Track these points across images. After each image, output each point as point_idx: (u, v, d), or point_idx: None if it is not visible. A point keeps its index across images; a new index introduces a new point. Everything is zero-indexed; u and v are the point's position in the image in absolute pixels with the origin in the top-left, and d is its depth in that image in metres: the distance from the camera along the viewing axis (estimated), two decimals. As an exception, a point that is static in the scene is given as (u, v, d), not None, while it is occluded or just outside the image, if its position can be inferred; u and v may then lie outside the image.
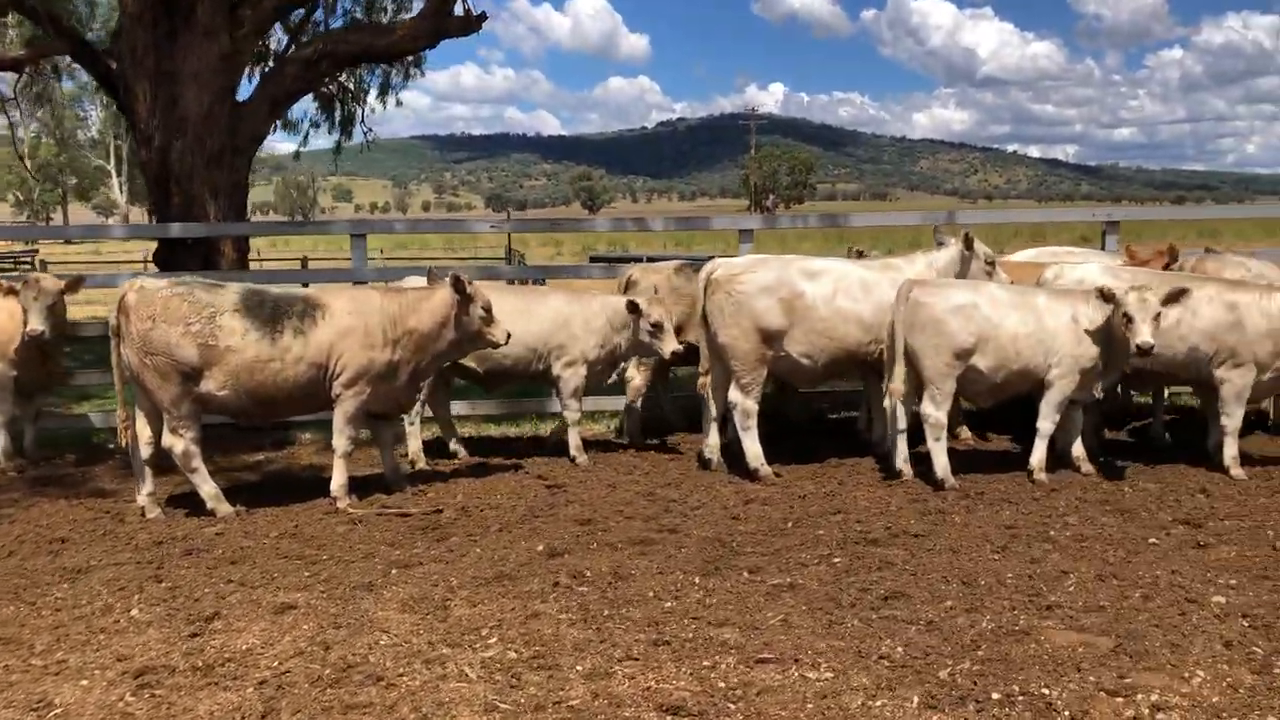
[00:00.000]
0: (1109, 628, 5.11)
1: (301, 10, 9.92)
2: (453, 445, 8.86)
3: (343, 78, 15.82)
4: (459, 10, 9.79)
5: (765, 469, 7.95)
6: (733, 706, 4.40)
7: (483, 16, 10.35)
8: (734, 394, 7.95)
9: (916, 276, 7.95)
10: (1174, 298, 7.12)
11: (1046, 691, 4.46)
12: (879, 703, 4.42)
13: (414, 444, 8.56)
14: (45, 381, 8.75)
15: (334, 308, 7.02)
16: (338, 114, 16.37)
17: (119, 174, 78.52)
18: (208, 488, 7.14)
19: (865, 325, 7.89)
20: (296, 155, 22.37)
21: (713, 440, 8.30)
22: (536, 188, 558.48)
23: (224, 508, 7.15)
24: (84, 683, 4.68)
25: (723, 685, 4.59)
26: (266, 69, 9.57)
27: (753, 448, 7.98)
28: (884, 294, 7.83)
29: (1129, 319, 6.99)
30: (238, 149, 9.67)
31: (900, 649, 4.91)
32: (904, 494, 7.52)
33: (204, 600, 5.65)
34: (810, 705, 4.40)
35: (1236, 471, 7.76)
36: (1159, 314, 7.02)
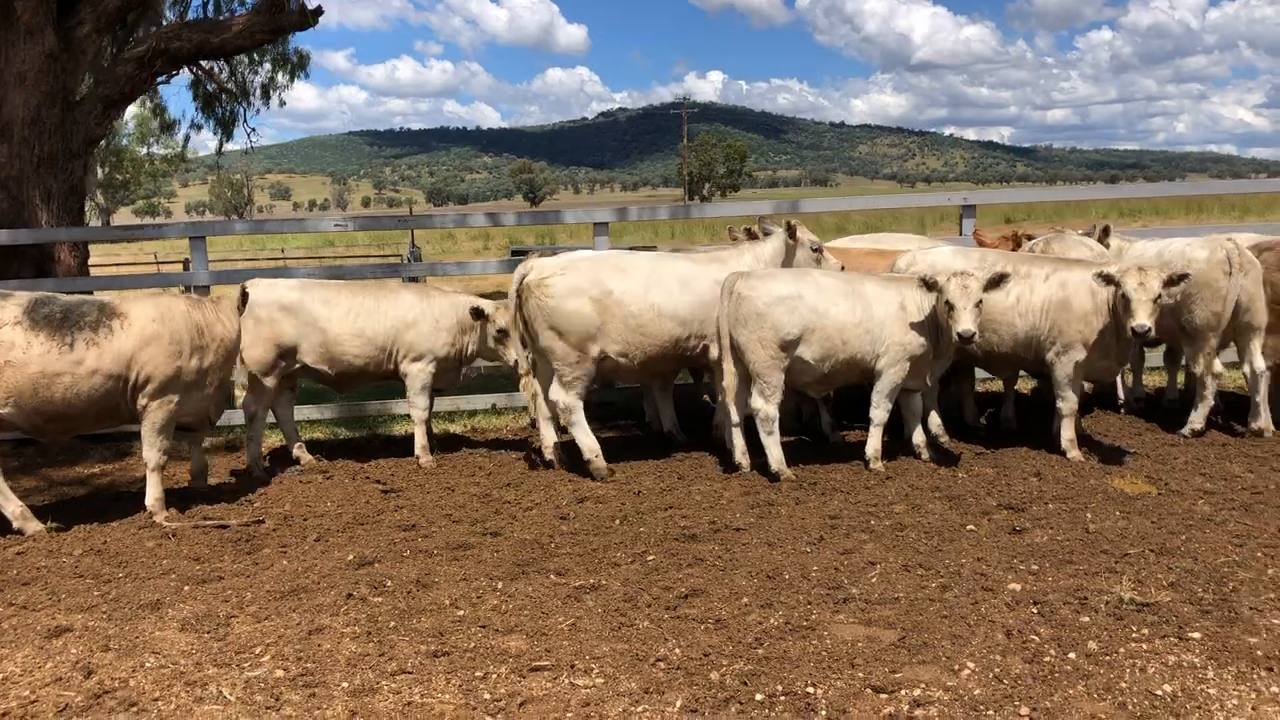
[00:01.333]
0: (897, 620, 5.06)
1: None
2: (295, 451, 8.64)
3: (223, 77, 15.51)
4: (294, 5, 9.55)
5: (599, 461, 7.85)
6: (490, 719, 4.28)
7: (319, 10, 10.08)
8: (555, 392, 7.85)
9: (742, 268, 7.86)
10: (995, 283, 7.09)
11: (812, 690, 4.40)
12: (640, 709, 4.32)
13: (253, 449, 8.33)
14: None
15: (134, 315, 6.77)
16: (222, 113, 15.99)
17: (38, 177, 76.61)
18: (11, 506, 6.87)
19: (682, 320, 7.79)
20: (219, 152, 21.91)
21: (548, 439, 8.16)
22: (478, 181, 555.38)
23: (32, 525, 6.89)
24: None
25: (488, 697, 4.47)
26: (102, 67, 9.21)
27: (585, 440, 7.85)
28: (703, 288, 7.74)
29: (950, 306, 6.96)
30: (72, 152, 9.33)
31: (679, 650, 4.83)
32: (739, 487, 7.44)
33: (-29, 625, 5.42)
34: (571, 714, 4.29)
35: (1073, 454, 7.78)
36: (980, 301, 6.98)
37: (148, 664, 4.89)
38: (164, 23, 10.02)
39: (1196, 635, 4.76)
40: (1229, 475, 7.30)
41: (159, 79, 10.68)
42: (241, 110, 15.84)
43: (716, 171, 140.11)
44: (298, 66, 15.77)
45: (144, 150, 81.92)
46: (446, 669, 4.74)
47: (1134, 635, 4.80)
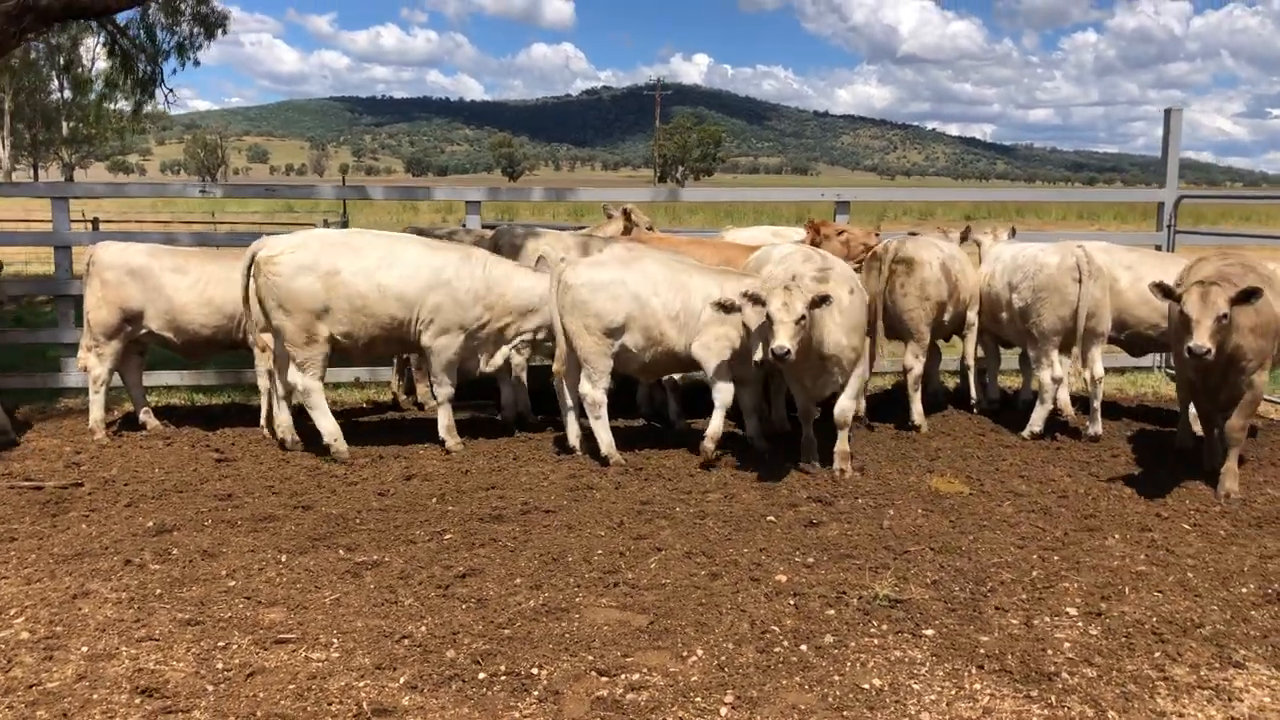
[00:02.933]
0: (654, 606, 5.13)
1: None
2: (141, 416, 8.62)
3: (140, 37, 15.38)
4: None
5: (339, 445, 7.78)
6: (212, 689, 4.32)
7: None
8: (293, 374, 7.73)
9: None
10: (817, 303, 6.86)
11: (536, 671, 4.47)
12: (364, 683, 4.38)
13: (96, 412, 8.30)
14: None
15: None
16: (140, 73, 15.85)
17: (2, 130, 75.85)
18: None
19: (408, 303, 7.65)
20: (135, 113, 21.66)
21: (283, 420, 8.07)
22: (458, 153, 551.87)
23: None
24: None
25: (220, 666, 4.52)
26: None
27: (324, 424, 7.77)
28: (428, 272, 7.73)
29: (770, 322, 6.75)
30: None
31: (427, 628, 4.89)
32: (567, 470, 7.50)
33: None
34: (293, 686, 4.34)
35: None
36: (802, 318, 6.76)
37: (-104, 622, 4.90)
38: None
39: (930, 632, 4.86)
40: (1046, 479, 7.42)
41: (28, 35, 10.58)
42: (160, 70, 15.71)
43: (691, 155, 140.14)
44: (215, 25, 15.62)
45: (112, 106, 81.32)
46: (193, 638, 4.77)
47: (872, 630, 4.89)
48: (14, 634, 4.79)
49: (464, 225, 9.67)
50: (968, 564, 5.74)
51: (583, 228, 10.14)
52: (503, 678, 4.42)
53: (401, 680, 4.40)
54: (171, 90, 15.99)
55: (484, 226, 9.58)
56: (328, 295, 7.42)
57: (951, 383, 10.32)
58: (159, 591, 5.29)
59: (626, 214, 9.39)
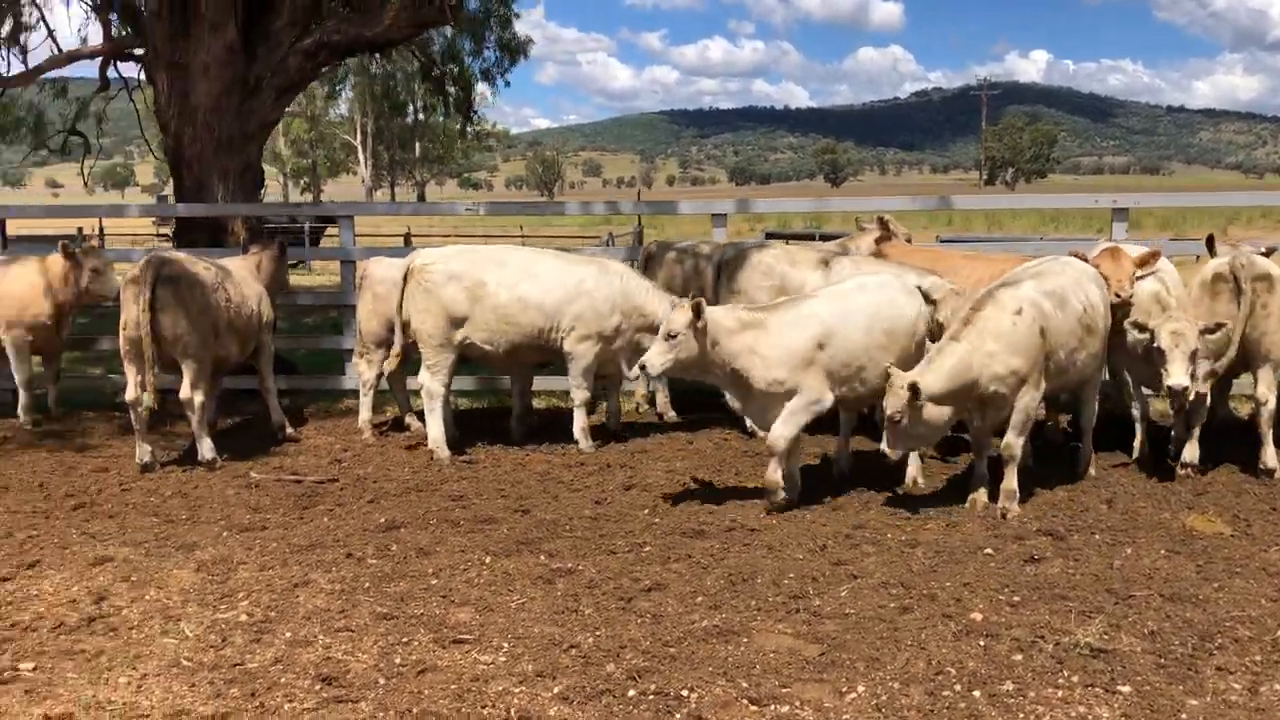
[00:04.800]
0: (832, 636, 4.96)
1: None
2: (406, 419, 9.26)
3: (449, 66, 16.61)
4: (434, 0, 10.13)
5: (444, 452, 8.20)
6: (383, 682, 4.60)
7: (458, 6, 10.69)
8: (421, 375, 8.30)
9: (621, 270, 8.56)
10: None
11: (686, 693, 4.43)
12: (519, 689, 4.51)
13: (364, 414, 9.01)
14: (59, 346, 9.76)
15: None
16: (453, 96, 17.11)
17: (364, 150, 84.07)
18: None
19: (547, 312, 8.20)
20: (461, 133, 23.39)
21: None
22: (781, 161, 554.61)
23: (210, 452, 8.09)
24: (-120, 613, 5.36)
25: (398, 661, 4.79)
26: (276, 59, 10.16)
27: (433, 430, 8.28)
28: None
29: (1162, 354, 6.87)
30: (247, 135, 10.39)
31: (596, 640, 4.96)
32: (786, 487, 7.33)
33: (45, 548, 6.29)
34: (455, 687, 4.53)
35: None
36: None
37: (148, 596, 5.55)
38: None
39: (1126, 689, 4.38)
40: (1330, 522, 6.49)
41: (323, 69, 11.67)
42: (471, 95, 16.90)
43: (1022, 156, 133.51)
44: (517, 51, 16.60)
45: (460, 128, 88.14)
46: (383, 632, 5.09)
47: (1060, 681, 4.47)
48: (235, 616, 5.30)
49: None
50: (1199, 615, 5.12)
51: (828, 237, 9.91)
52: (651, 697, 4.41)
53: (555, 690, 4.48)
54: (477, 113, 17.25)
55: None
56: (471, 305, 7.83)
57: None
58: (367, 585, 5.67)
59: (883, 224, 9.07)
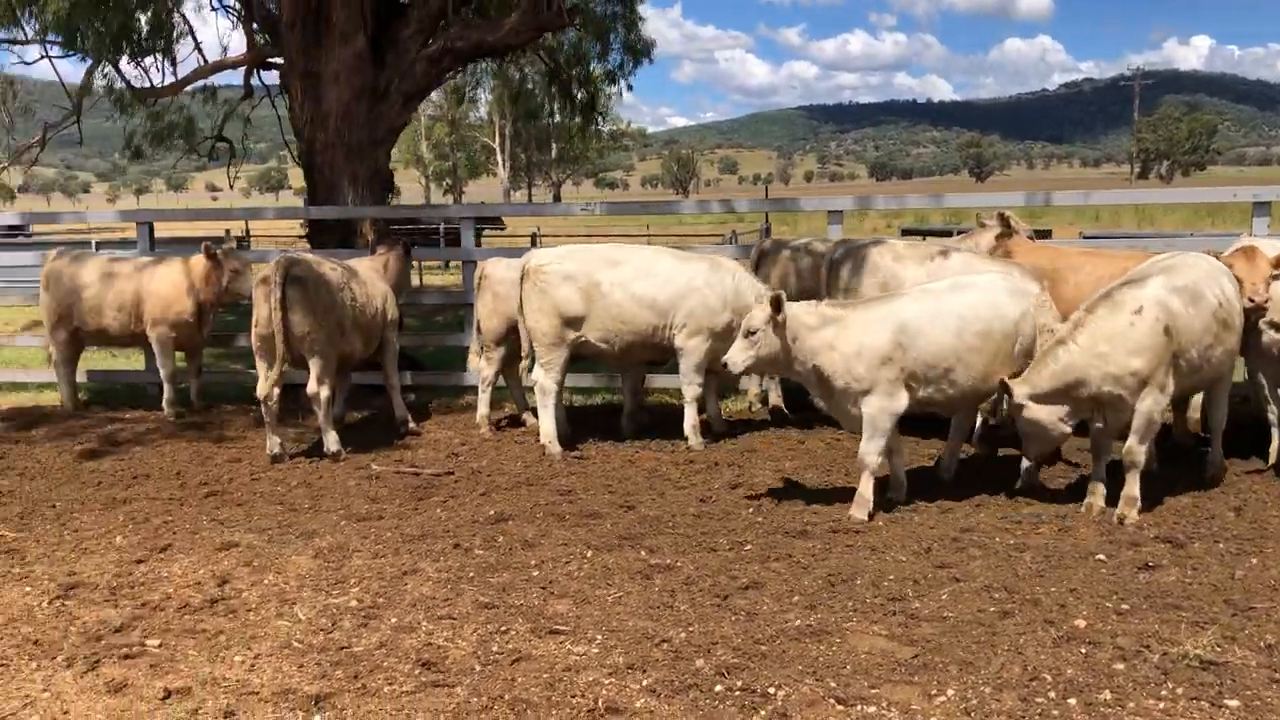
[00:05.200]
0: (928, 638, 4.91)
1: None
2: (523, 415, 9.46)
3: (575, 70, 16.86)
4: (552, 6, 10.30)
5: (553, 447, 8.34)
6: (479, 669, 4.74)
7: (575, 10, 10.83)
8: (535, 372, 8.52)
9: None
10: None
11: (773, 691, 4.45)
12: (609, 681, 4.59)
13: (482, 409, 9.25)
14: (200, 343, 10.30)
15: None
16: (579, 99, 17.34)
17: (502, 152, 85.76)
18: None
19: (660, 310, 8.33)
20: (582, 134, 23.76)
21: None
22: (924, 155, 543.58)
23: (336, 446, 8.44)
24: (28, 588, 5.78)
25: (495, 650, 4.93)
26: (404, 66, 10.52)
27: (545, 425, 8.44)
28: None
29: None
30: (376, 140, 10.76)
31: (687, 635, 5.01)
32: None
33: (177, 533, 6.67)
34: (547, 676, 4.65)
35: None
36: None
37: (267, 581, 5.83)
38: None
39: (1234, 703, 4.22)
40: None
41: (447, 74, 11.99)
42: (594, 96, 17.09)
43: (1179, 148, 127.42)
44: (642, 53, 16.73)
45: (597, 125, 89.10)
46: (484, 620, 5.24)
47: (1162, 693, 4.32)
48: (346, 601, 5.52)
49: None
50: (1328, 629, 4.88)
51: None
52: (737, 693, 4.44)
53: (644, 683, 4.55)
54: (601, 115, 17.46)
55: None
56: (586, 304, 7.93)
57: None
58: (472, 575, 5.84)
59: (1004, 220, 8.85)
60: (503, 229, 33.62)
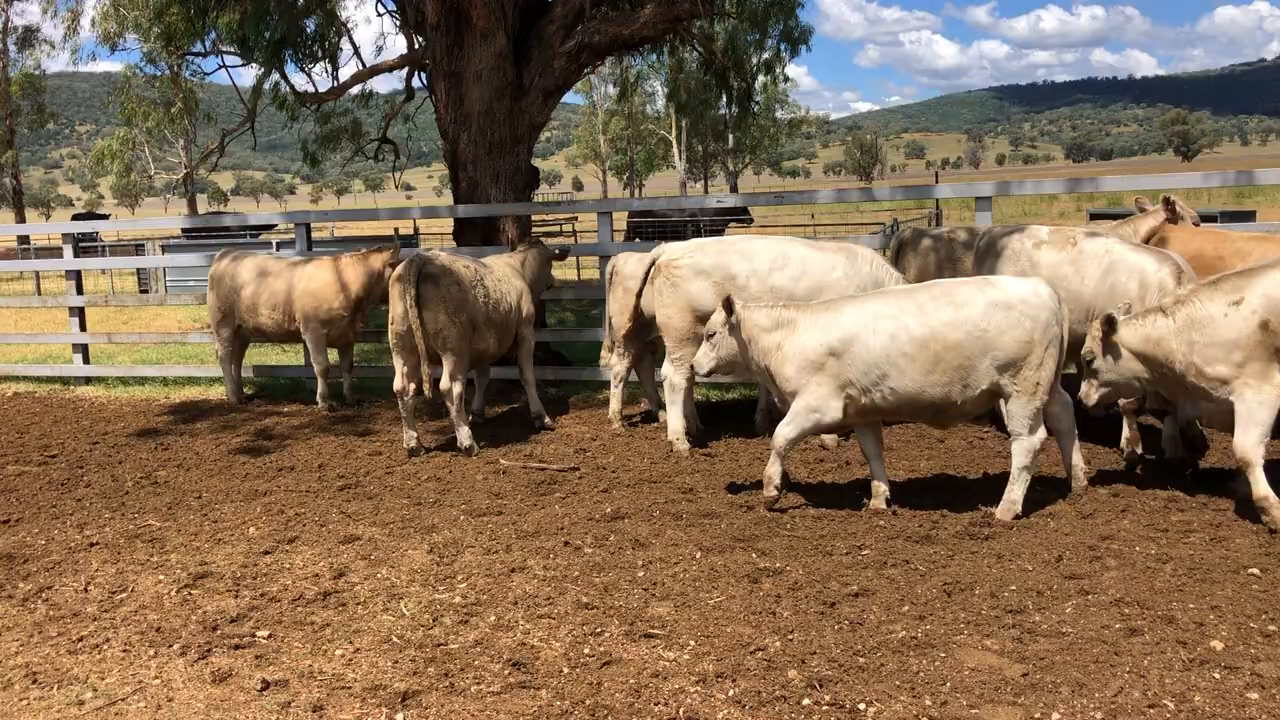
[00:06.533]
0: (1041, 656, 4.59)
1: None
2: (658, 411, 9.39)
3: (730, 58, 16.69)
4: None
5: (680, 444, 8.27)
6: (567, 671, 4.69)
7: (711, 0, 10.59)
8: (665, 367, 8.46)
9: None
10: None
11: (863, 707, 4.23)
12: (694, 689, 4.46)
13: (614, 405, 9.22)
14: (352, 339, 10.64)
15: None
16: (735, 89, 17.17)
17: (678, 144, 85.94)
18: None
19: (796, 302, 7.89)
20: (736, 127, 23.52)
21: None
22: (1124, 134, 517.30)
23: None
24: (161, 576, 6.06)
25: (587, 652, 4.87)
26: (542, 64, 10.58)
27: (673, 421, 8.35)
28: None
29: None
30: (517, 138, 10.83)
31: (784, 643, 4.83)
32: (1037, 496, 6.81)
33: (306, 525, 6.88)
34: (631, 681, 4.56)
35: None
36: None
37: (380, 574, 5.94)
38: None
39: (1382, 745, 3.75)
40: None
41: (585, 70, 11.98)
42: (750, 85, 16.88)
43: None
44: (798, 41, 16.43)
45: (774, 114, 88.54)
46: (580, 621, 5.18)
47: (1300, 728, 3.89)
48: (450, 597, 5.57)
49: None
50: None
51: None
52: (825, 707, 4.24)
53: (730, 693, 4.40)
54: (758, 103, 17.23)
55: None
56: (719, 299, 7.67)
57: None
58: (577, 574, 5.80)
59: (1169, 205, 8.24)
60: (750, 222, 33.96)
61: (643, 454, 8.37)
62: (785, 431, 6.60)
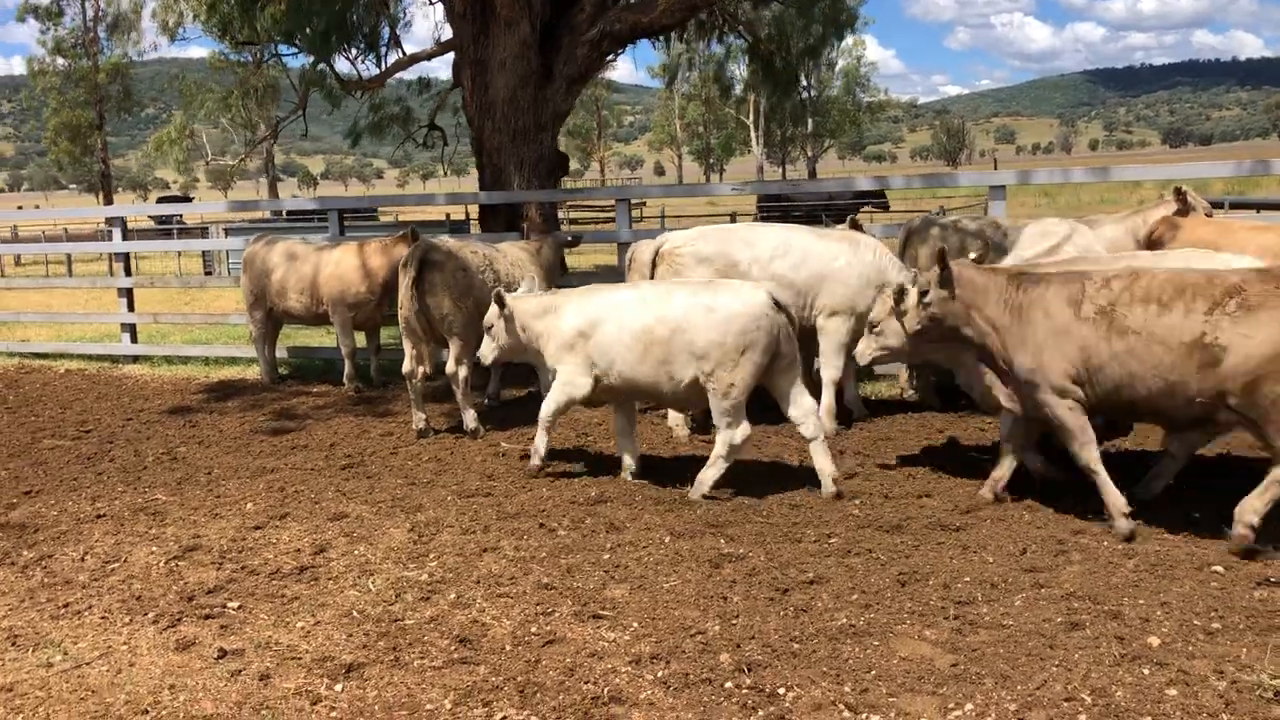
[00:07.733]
0: (974, 646, 4.60)
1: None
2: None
3: (774, 43, 16.64)
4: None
5: (683, 430, 8.44)
6: (509, 649, 4.82)
7: (723, -12, 10.62)
8: None
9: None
10: None
11: (783, 692, 4.30)
12: (625, 669, 4.56)
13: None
14: (379, 322, 10.89)
15: None
16: (778, 74, 17.10)
17: (756, 129, 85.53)
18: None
19: (798, 290, 8.10)
20: (791, 117, 23.32)
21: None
22: (1226, 119, 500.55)
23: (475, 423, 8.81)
24: (154, 548, 6.33)
25: (533, 631, 4.99)
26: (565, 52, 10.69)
27: (674, 414, 8.45)
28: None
29: None
30: (541, 125, 10.96)
31: (725, 628, 4.90)
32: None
33: (301, 502, 7.10)
34: (568, 660, 4.67)
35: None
36: None
37: (357, 551, 6.12)
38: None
39: (1290, 745, 3.70)
40: None
41: (607, 58, 12.05)
42: (796, 70, 16.80)
43: None
44: (844, 25, 16.28)
45: (855, 97, 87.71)
46: (535, 601, 5.31)
47: (1214, 724, 3.86)
48: (417, 575, 5.73)
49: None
50: None
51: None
52: (745, 691, 4.30)
53: (659, 674, 4.49)
54: (808, 88, 17.12)
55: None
56: None
57: None
58: (544, 555, 5.92)
59: (1180, 196, 8.11)
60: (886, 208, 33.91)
61: (644, 439, 8.44)
62: (546, 406, 7.24)
